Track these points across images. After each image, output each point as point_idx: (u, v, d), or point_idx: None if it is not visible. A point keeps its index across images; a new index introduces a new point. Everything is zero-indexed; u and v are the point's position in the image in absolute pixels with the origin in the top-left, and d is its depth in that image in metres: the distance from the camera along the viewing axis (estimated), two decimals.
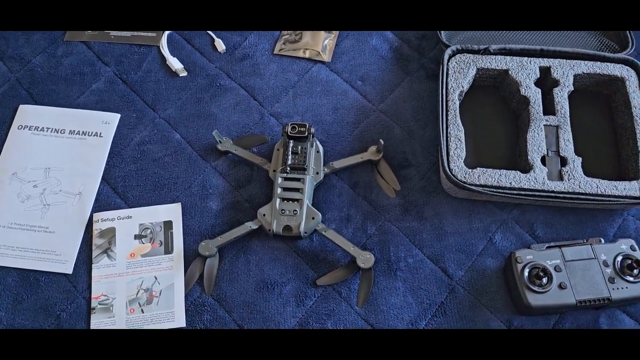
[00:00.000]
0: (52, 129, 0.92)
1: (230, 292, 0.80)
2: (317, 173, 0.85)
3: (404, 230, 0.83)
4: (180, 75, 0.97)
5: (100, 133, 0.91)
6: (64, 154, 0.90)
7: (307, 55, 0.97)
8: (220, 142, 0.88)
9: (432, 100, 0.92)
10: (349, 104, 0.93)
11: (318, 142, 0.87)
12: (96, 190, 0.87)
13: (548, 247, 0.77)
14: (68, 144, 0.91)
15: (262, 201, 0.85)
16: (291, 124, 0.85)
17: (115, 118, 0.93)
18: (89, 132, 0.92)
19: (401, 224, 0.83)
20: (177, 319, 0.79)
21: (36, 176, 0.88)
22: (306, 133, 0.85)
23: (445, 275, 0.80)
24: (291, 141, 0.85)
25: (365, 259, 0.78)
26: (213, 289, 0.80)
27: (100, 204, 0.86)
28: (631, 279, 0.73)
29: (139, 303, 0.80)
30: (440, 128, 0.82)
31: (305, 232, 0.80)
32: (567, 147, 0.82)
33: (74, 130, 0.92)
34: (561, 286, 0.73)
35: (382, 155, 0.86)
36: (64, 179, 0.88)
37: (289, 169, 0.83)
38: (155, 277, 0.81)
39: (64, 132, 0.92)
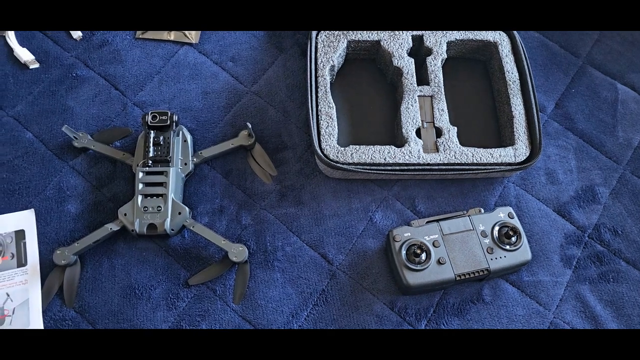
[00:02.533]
0: None
1: (94, 302, 0.73)
2: (186, 164, 0.78)
3: (281, 218, 0.78)
4: (31, 67, 0.87)
5: None
6: None
7: (172, 37, 0.90)
8: (76, 138, 0.80)
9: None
10: (220, 87, 0.87)
11: (185, 131, 0.80)
12: None
13: (428, 222, 0.74)
14: None
15: (128, 200, 0.78)
16: (151, 113, 0.78)
17: None
18: None
19: (278, 211, 0.78)
20: None
21: None
22: (168, 121, 0.78)
23: (325, 261, 0.76)
24: (152, 131, 0.78)
25: (238, 252, 0.73)
26: (75, 300, 0.73)
27: None
28: (508, 247, 0.71)
29: None
30: (310, 106, 0.77)
31: (172, 229, 0.73)
32: (442, 117, 0.80)
33: None
34: (440, 261, 0.70)
35: (254, 140, 0.81)
36: None
37: (150, 162, 0.76)
38: (7, 293, 0.73)
39: None
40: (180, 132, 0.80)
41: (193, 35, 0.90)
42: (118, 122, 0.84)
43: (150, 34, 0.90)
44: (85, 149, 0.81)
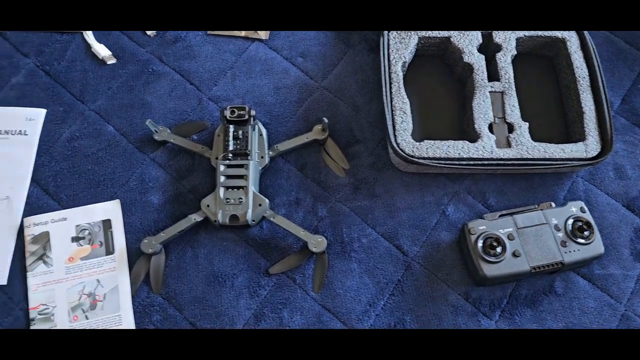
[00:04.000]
0: None
1: (180, 289, 0.76)
2: (262, 157, 0.81)
3: (356, 210, 0.80)
4: (109, 62, 0.90)
5: (25, 131, 0.85)
6: None
7: (243, 33, 0.92)
8: (156, 131, 0.83)
9: (377, 73, 0.89)
10: (291, 83, 0.89)
11: (260, 125, 0.83)
12: (26, 193, 0.81)
13: (501, 216, 0.76)
14: None
15: (207, 191, 0.81)
16: (230, 108, 0.80)
17: (40, 114, 0.86)
18: (12, 131, 0.85)
19: (352, 204, 0.81)
20: (125, 322, 0.74)
21: None
22: (246, 116, 0.80)
23: (400, 253, 0.78)
24: (231, 126, 0.81)
25: (317, 243, 0.75)
26: (161, 287, 0.76)
27: (32, 208, 0.80)
28: (582, 240, 0.73)
29: (82, 309, 0.75)
30: (385, 102, 0.79)
31: (253, 220, 0.76)
32: (513, 112, 0.81)
33: None
34: (515, 254, 0.72)
35: (328, 134, 0.83)
36: None
37: (230, 155, 0.79)
38: (97, 280, 0.76)
39: None
40: (256, 126, 0.82)
41: (263, 32, 0.92)
42: (194, 116, 0.87)
43: (222, 31, 0.92)
44: (165, 142, 0.84)
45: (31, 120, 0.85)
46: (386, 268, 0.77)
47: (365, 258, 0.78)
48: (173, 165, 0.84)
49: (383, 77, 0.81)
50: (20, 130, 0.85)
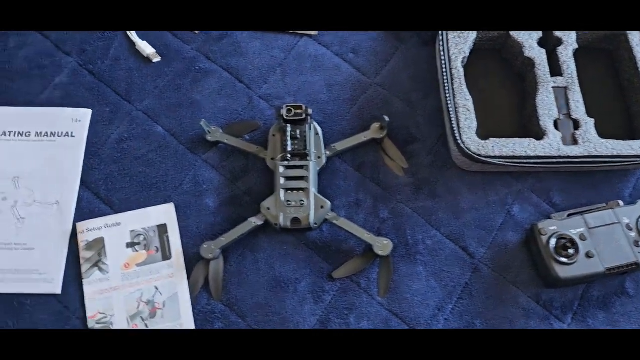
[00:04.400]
0: (16, 132, 0.82)
1: (241, 295, 0.74)
2: (319, 157, 0.79)
3: (419, 211, 0.78)
4: (154, 60, 0.87)
5: (72, 132, 0.82)
6: (33, 159, 0.80)
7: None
8: (209, 132, 0.80)
9: (431, 68, 0.86)
10: (343, 80, 0.86)
11: (316, 124, 0.80)
12: (76, 197, 0.78)
13: (569, 215, 0.74)
14: (36, 147, 0.81)
15: (263, 193, 0.78)
16: (286, 106, 0.78)
17: (86, 114, 0.83)
18: (58, 133, 0.82)
19: (415, 205, 0.78)
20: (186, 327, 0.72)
21: (4, 188, 0.79)
22: (303, 115, 0.78)
23: (467, 255, 0.76)
24: (289, 125, 0.78)
25: (383, 246, 0.73)
26: (222, 293, 0.74)
27: (83, 212, 0.77)
28: None
29: (141, 317, 0.73)
30: (447, 99, 0.77)
31: (315, 223, 0.74)
32: (578, 108, 0.79)
33: (41, 132, 0.82)
34: (588, 255, 0.70)
35: (386, 132, 0.81)
36: (37, 188, 0.78)
37: (289, 156, 0.77)
38: (155, 287, 0.74)
39: (30, 135, 0.82)
40: (312, 125, 0.80)
41: None
42: (245, 115, 0.84)
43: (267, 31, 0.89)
44: (217, 143, 0.81)
45: (77, 121, 0.83)
46: (453, 271, 0.75)
47: (431, 261, 0.76)
48: (227, 166, 0.81)
49: (444, 73, 0.79)
50: (67, 132, 0.82)
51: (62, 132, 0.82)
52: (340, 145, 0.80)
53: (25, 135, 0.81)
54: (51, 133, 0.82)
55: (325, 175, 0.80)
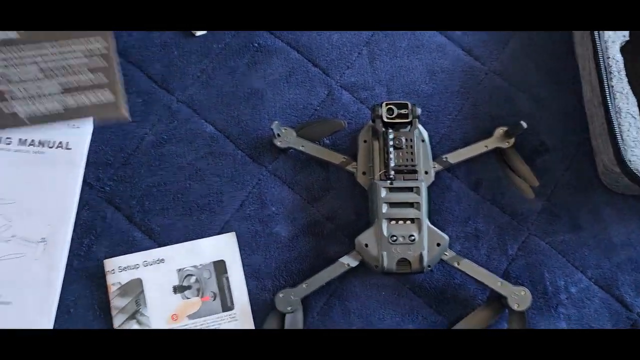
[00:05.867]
0: None
1: None
2: (426, 172, 0.59)
3: (558, 247, 0.60)
4: (197, 34, 0.65)
5: (67, 143, 0.60)
6: (14, 177, 0.59)
7: None
8: (279, 135, 0.60)
9: (565, 55, 0.66)
10: (450, 65, 0.66)
11: (421, 127, 0.60)
12: (70, 235, 0.58)
13: None
14: (19, 161, 0.59)
15: (350, 219, 0.59)
16: (387, 105, 0.58)
17: (86, 119, 0.61)
18: (49, 143, 0.60)
19: (552, 238, 0.60)
20: None
21: None
22: (410, 117, 0.58)
23: (622, 306, 0.58)
24: (390, 131, 0.58)
25: (520, 298, 0.55)
26: None
27: (113, 243, 0.58)
28: None
29: None
30: (609, 100, 0.57)
31: (429, 266, 0.55)
32: None
33: (26, 140, 0.60)
34: None
35: (514, 141, 0.61)
36: (16, 218, 0.58)
37: (393, 173, 0.57)
38: None
39: (11, 143, 0.60)
40: (416, 129, 0.60)
41: None
42: (323, 111, 0.64)
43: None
44: (288, 149, 0.61)
45: (75, 127, 0.61)
46: (604, 327, 0.57)
47: (576, 314, 0.58)
48: (301, 181, 0.61)
49: (594, 64, 0.59)
50: (60, 142, 0.60)
51: (53, 142, 0.60)
52: (454, 157, 0.60)
53: (5, 143, 0.60)
54: (39, 142, 0.60)
55: (432, 196, 0.60)
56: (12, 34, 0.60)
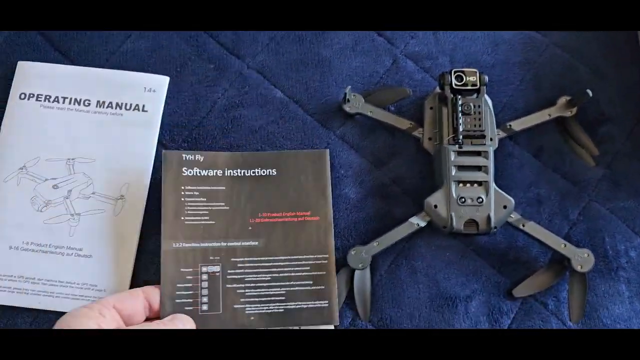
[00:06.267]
0: (72, 99, 0.62)
1: (397, 315, 0.58)
2: (491, 139, 0.61)
3: (618, 213, 0.61)
4: None
5: (143, 106, 0.63)
6: (93, 137, 0.61)
7: None
8: (349, 100, 0.62)
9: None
10: (512, 37, 0.68)
11: (486, 96, 0.62)
12: (146, 192, 0.60)
13: None
14: (97, 122, 0.62)
15: (415, 182, 0.62)
16: (455, 72, 0.59)
17: (162, 83, 0.63)
18: (126, 105, 0.62)
19: (613, 205, 0.62)
20: None
21: (56, 171, 0.60)
22: (478, 84, 0.60)
23: None
24: (459, 97, 0.60)
25: (584, 260, 0.57)
26: (371, 311, 0.58)
27: None
28: None
29: None
30: None
31: (495, 227, 0.57)
32: None
33: (104, 102, 0.62)
34: None
35: (577, 110, 0.63)
36: (96, 175, 0.60)
37: (461, 138, 0.59)
38: None
39: (90, 104, 0.63)
40: (483, 97, 0.61)
41: None
42: (388, 79, 0.66)
43: None
44: (355, 115, 0.63)
45: (151, 91, 0.63)
46: None
47: (636, 277, 0.60)
48: (367, 146, 0.63)
49: None
50: (137, 105, 0.63)
51: (130, 105, 0.62)
52: (518, 125, 0.62)
53: (84, 105, 0.62)
54: (117, 104, 0.62)
55: (495, 162, 0.62)
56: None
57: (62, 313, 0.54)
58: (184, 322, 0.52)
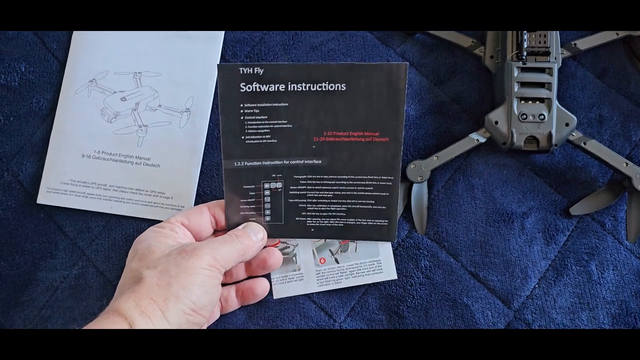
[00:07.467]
0: None
1: (453, 229, 0.59)
2: (555, 58, 0.60)
3: None
4: None
5: None
6: (160, 52, 0.63)
7: None
8: None
9: None
10: None
11: None
12: (210, 105, 0.62)
13: None
14: (164, 37, 0.63)
15: (475, 101, 0.62)
16: None
17: None
18: None
19: None
20: (386, 270, 0.58)
21: (123, 85, 0.62)
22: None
23: None
24: None
25: None
26: (427, 225, 0.59)
27: None
28: None
29: (330, 251, 0.59)
30: None
31: (556, 145, 0.57)
32: None
33: None
34: None
35: None
36: (163, 89, 0.62)
37: (525, 54, 0.58)
38: None
39: None
40: None
41: None
42: None
43: None
44: (414, 32, 0.63)
45: None
46: None
47: None
48: (428, 64, 0.63)
49: None
50: None
51: None
52: (583, 43, 0.61)
53: None
54: None
55: (558, 81, 0.61)
56: None
57: (132, 218, 0.58)
58: (255, 230, 0.55)
